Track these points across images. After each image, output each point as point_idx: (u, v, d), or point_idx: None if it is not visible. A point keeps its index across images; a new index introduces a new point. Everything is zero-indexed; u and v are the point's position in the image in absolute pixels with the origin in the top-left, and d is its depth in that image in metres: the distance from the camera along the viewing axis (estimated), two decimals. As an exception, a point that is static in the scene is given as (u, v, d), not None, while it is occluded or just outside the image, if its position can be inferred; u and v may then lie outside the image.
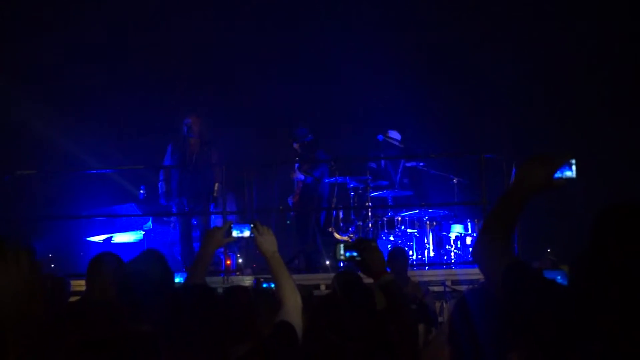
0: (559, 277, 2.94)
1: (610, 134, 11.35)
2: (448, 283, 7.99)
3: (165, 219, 10.23)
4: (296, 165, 10.14)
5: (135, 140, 11.66)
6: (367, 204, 9.81)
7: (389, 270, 3.40)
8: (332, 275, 5.96)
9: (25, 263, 1.78)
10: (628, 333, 1.83)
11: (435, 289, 7.89)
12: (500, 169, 8.91)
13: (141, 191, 10.25)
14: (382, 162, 10.25)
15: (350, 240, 9.52)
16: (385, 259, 3.52)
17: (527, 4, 12.02)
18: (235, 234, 3.71)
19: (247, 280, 8.00)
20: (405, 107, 11.28)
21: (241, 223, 3.72)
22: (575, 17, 11.37)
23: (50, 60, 11.64)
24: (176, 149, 9.55)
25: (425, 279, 8.17)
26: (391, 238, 9.55)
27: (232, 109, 12.07)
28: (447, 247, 9.55)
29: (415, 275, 8.08)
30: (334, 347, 2.86)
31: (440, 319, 6.80)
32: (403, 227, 9.59)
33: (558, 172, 2.23)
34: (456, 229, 9.54)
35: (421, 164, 10.17)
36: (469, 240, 9.37)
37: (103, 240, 10.28)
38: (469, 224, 9.50)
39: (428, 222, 9.64)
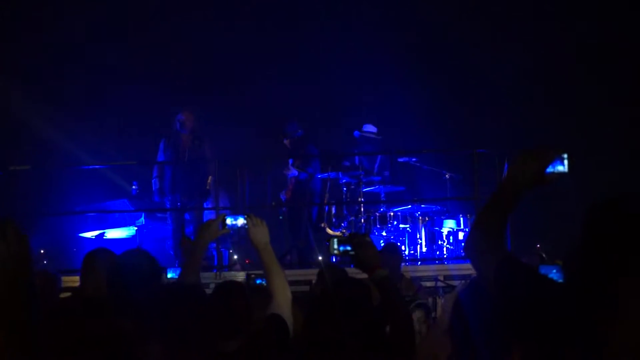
0: (554, 272, 2.93)
1: (603, 128, 11.39)
2: (440, 278, 8.00)
3: (158, 214, 10.21)
4: (290, 161, 10.14)
5: (127, 136, 11.64)
6: (359, 199, 9.81)
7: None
8: (324, 270, 5.93)
9: (12, 235, 1.78)
10: (625, 329, 1.83)
11: (428, 284, 7.90)
12: (492, 164, 8.92)
13: (134, 187, 10.23)
14: (356, 158, 10.25)
15: (343, 236, 9.51)
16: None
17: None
18: (229, 221, 3.71)
19: (240, 276, 8.00)
20: (398, 103, 11.28)
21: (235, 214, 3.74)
22: (570, 12, 11.40)
23: (45, 58, 11.62)
24: (169, 145, 9.54)
25: (418, 274, 8.18)
26: (384, 233, 9.55)
27: (225, 105, 12.05)
28: (439, 242, 9.55)
29: (408, 270, 8.08)
30: (330, 344, 2.86)
31: (432, 314, 6.80)
32: (395, 223, 9.59)
33: (550, 166, 2.23)
34: (449, 224, 9.54)
35: (414, 159, 10.16)
36: (461, 235, 9.38)
37: (95, 236, 10.26)
38: (462, 219, 9.50)
39: (420, 218, 9.64)
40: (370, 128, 10.35)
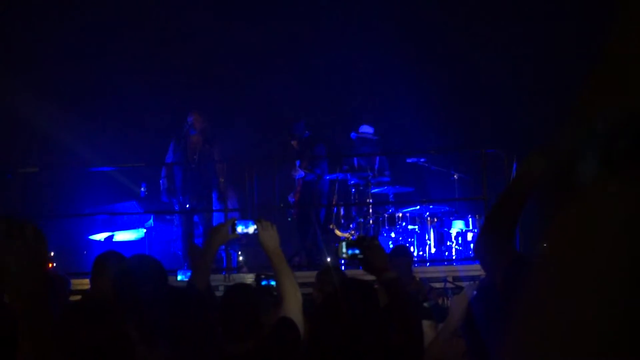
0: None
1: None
2: (449, 279, 7.98)
3: (167, 216, 10.23)
4: (297, 162, 10.13)
5: (136, 138, 11.66)
6: (367, 200, 9.80)
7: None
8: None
9: (30, 234, 1.80)
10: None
11: (437, 285, 7.88)
12: (501, 164, 8.90)
13: (142, 189, 10.25)
14: (355, 159, 10.25)
15: (351, 237, 9.51)
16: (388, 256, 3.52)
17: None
18: (240, 229, 3.73)
19: (249, 278, 8.00)
20: (406, 103, 11.26)
21: (244, 219, 3.75)
22: (581, 10, 11.36)
23: (53, 58, 11.64)
24: (178, 147, 9.55)
25: (427, 275, 8.16)
26: (392, 234, 9.54)
27: (234, 106, 12.06)
28: (448, 243, 9.53)
29: (417, 272, 8.07)
30: (338, 347, 2.85)
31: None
32: (404, 224, 9.57)
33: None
34: (457, 225, 9.52)
35: (422, 160, 10.15)
36: (470, 236, 9.35)
37: (105, 238, 10.28)
38: (470, 219, 9.48)
39: (429, 219, 9.62)
40: (366, 129, 10.32)
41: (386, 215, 9.66)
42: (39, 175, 10.46)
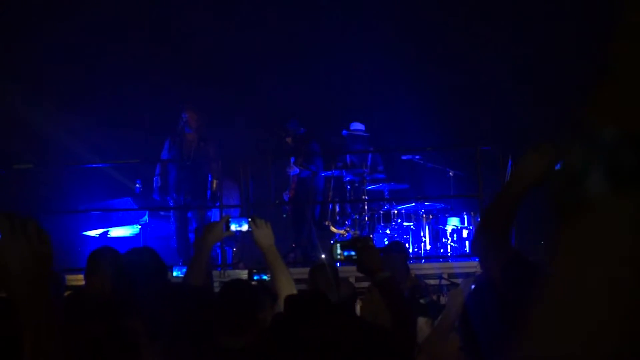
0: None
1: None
2: (445, 276, 7.99)
3: (162, 213, 10.22)
4: (292, 159, 10.13)
5: (131, 134, 11.64)
6: (363, 197, 9.81)
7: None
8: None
9: (33, 231, 1.79)
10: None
11: (432, 282, 7.89)
12: (496, 161, 8.91)
13: (137, 185, 10.23)
14: (347, 156, 10.26)
15: (346, 234, 9.52)
16: (382, 252, 3.52)
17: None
18: (233, 227, 3.74)
19: (244, 274, 8.00)
20: (400, 100, 11.27)
21: (239, 217, 3.76)
22: (578, 9, 11.38)
23: (47, 55, 11.61)
24: (173, 144, 9.54)
25: (422, 272, 8.17)
26: (387, 231, 9.55)
27: (229, 103, 12.05)
28: (443, 240, 9.55)
29: (412, 268, 8.07)
30: (326, 346, 2.85)
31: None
32: (399, 220, 9.59)
33: (559, 163, 2.21)
34: (453, 222, 9.54)
35: (417, 157, 10.16)
36: (465, 233, 9.38)
37: (99, 234, 10.27)
38: (466, 216, 9.50)
39: (424, 215, 9.64)
40: (357, 126, 10.34)
41: (381, 212, 9.68)
42: (34, 171, 10.44)
